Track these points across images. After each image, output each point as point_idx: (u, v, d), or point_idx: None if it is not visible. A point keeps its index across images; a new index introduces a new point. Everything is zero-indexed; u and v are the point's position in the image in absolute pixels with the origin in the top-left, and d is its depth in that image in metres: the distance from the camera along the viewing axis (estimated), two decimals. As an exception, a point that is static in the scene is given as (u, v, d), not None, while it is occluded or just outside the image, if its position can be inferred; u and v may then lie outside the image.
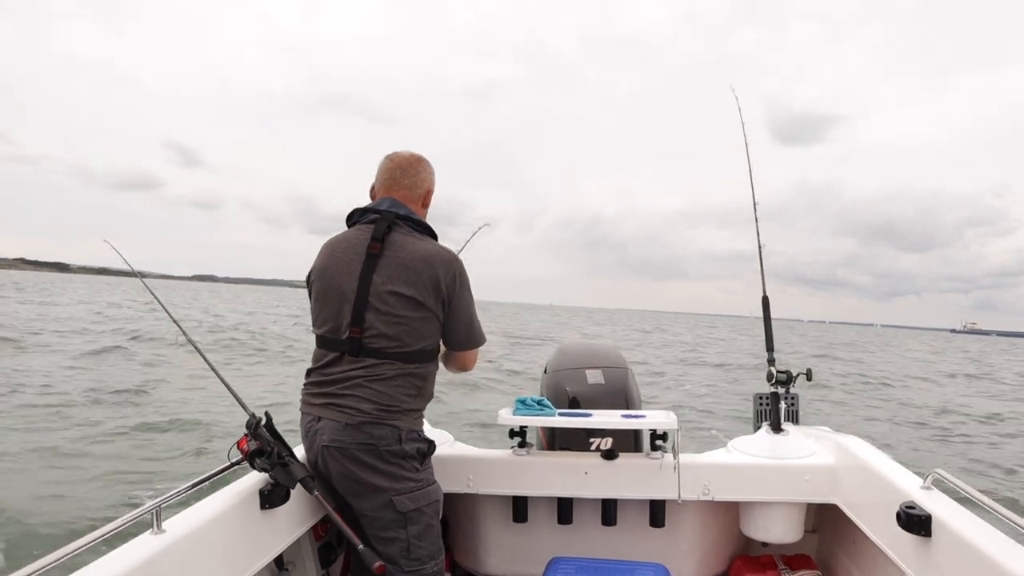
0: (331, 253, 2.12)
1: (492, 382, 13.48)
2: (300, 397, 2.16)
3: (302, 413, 2.12)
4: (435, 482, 2.12)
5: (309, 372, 2.14)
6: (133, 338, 18.24)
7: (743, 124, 3.33)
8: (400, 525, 2.01)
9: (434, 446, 2.15)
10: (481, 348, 2.23)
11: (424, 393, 2.11)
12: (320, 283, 2.10)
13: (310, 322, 2.18)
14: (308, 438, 2.09)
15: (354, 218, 2.16)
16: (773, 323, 3.09)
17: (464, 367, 2.24)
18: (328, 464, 2.02)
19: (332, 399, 2.02)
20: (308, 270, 2.19)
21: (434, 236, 2.14)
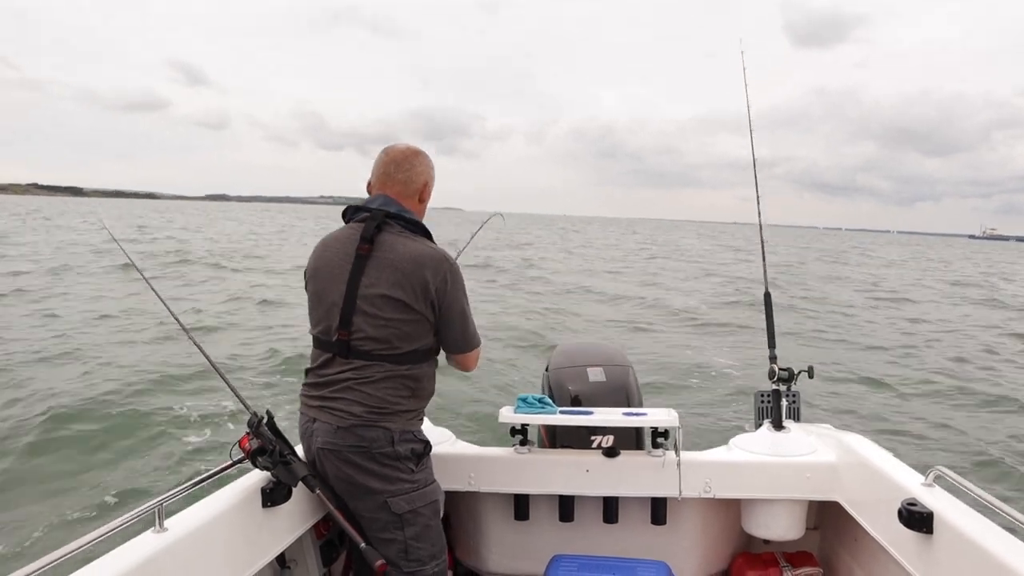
0: (322, 253, 2.10)
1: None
2: (300, 397, 2.15)
3: (300, 413, 2.12)
4: (434, 482, 2.11)
5: (307, 372, 2.13)
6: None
7: (746, 86, 3.24)
8: (397, 527, 2.00)
9: (430, 446, 2.13)
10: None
11: (420, 393, 2.08)
12: (313, 285, 2.10)
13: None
14: (305, 439, 2.08)
15: (348, 215, 2.13)
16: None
17: (464, 368, 2.22)
18: (324, 466, 2.02)
19: (325, 401, 2.01)
20: (306, 265, 2.17)
21: (428, 235, 2.09)
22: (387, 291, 1.97)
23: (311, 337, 2.12)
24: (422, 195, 2.16)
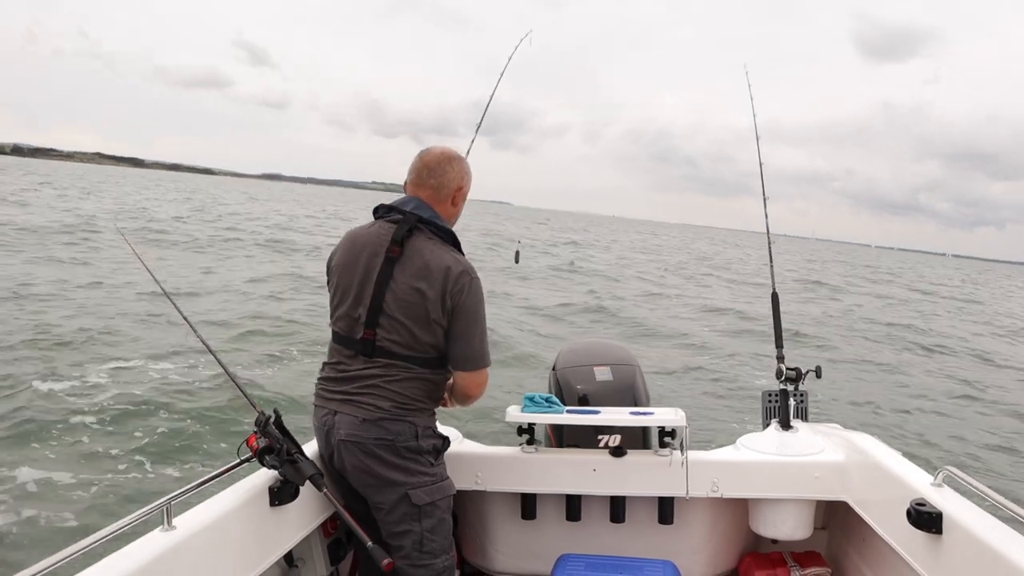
0: (351, 248, 2.11)
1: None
2: (315, 390, 2.16)
3: (316, 407, 2.13)
4: (448, 477, 2.14)
5: (324, 366, 2.15)
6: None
7: (752, 100, 3.28)
8: (414, 518, 2.03)
9: (448, 442, 2.18)
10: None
11: (435, 394, 2.13)
12: (338, 279, 2.11)
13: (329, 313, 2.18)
14: (323, 432, 2.10)
15: (379, 212, 2.15)
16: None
17: (467, 393, 2.18)
18: (344, 458, 2.04)
19: (350, 396, 2.03)
20: (328, 256, 2.19)
21: (457, 244, 2.12)
22: (412, 296, 2.00)
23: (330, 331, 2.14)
24: (455, 199, 2.17)
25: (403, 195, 2.18)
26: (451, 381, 2.19)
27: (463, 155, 2.25)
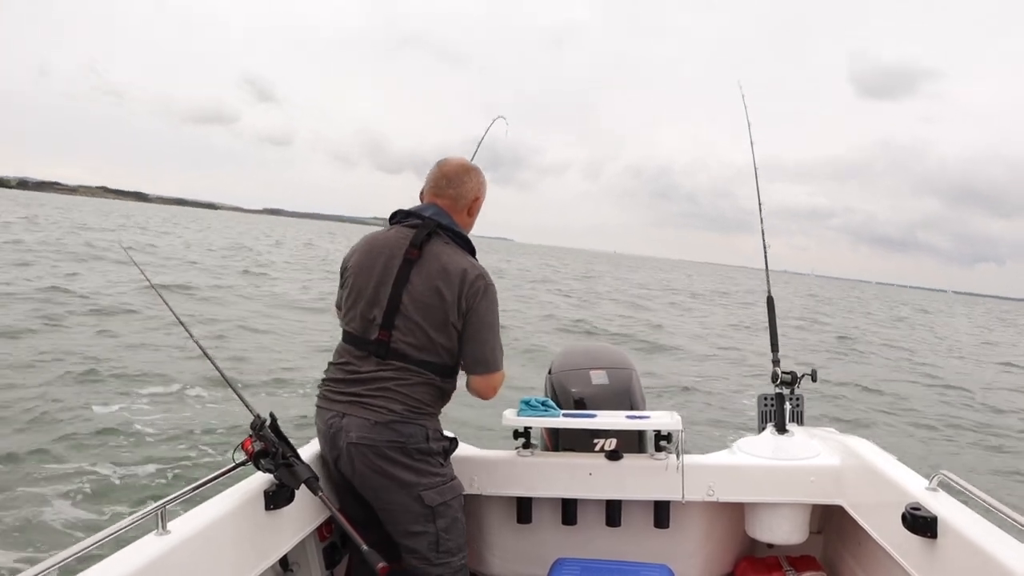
0: (369, 251, 2.13)
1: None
2: (318, 392, 2.16)
3: (320, 408, 2.13)
4: (456, 478, 2.17)
5: (330, 366, 2.15)
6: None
7: (748, 124, 3.32)
8: (429, 519, 2.05)
9: (456, 443, 2.21)
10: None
11: (444, 398, 2.16)
12: (354, 280, 2.12)
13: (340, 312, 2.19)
14: (328, 434, 2.09)
15: (397, 218, 2.18)
16: (777, 325, 3.08)
17: (480, 395, 2.18)
18: (354, 461, 2.05)
19: (360, 398, 2.04)
20: (344, 257, 2.20)
21: (472, 251, 2.15)
22: (430, 298, 2.02)
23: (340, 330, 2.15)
24: (471, 209, 2.23)
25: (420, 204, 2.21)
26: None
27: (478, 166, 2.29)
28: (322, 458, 2.21)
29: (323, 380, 2.16)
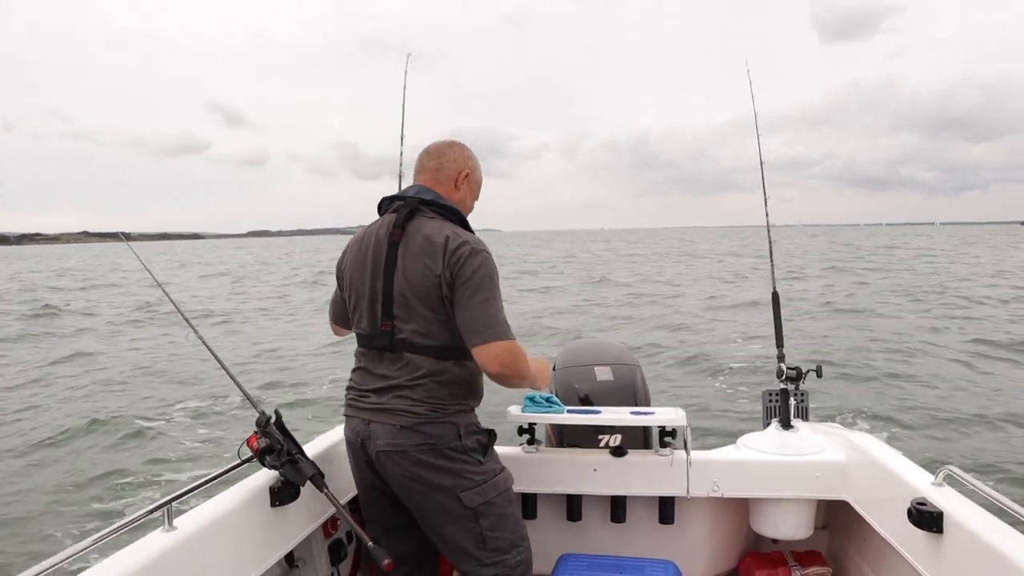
0: (358, 247, 2.07)
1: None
2: (345, 400, 2.10)
3: (347, 417, 2.07)
4: (503, 469, 2.07)
5: (352, 373, 2.09)
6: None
7: (753, 99, 3.27)
8: (471, 519, 1.96)
9: (495, 435, 2.10)
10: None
11: (474, 392, 2.04)
12: (351, 280, 2.07)
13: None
14: (357, 442, 2.01)
15: (383, 207, 2.11)
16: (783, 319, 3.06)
17: (489, 372, 1.92)
18: (386, 469, 1.96)
19: (383, 404, 1.95)
20: (337, 262, 2.16)
21: (463, 222, 2.04)
22: (420, 274, 1.91)
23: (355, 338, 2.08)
24: (457, 182, 2.09)
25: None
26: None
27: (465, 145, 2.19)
28: (349, 460, 2.11)
29: (347, 388, 2.10)
